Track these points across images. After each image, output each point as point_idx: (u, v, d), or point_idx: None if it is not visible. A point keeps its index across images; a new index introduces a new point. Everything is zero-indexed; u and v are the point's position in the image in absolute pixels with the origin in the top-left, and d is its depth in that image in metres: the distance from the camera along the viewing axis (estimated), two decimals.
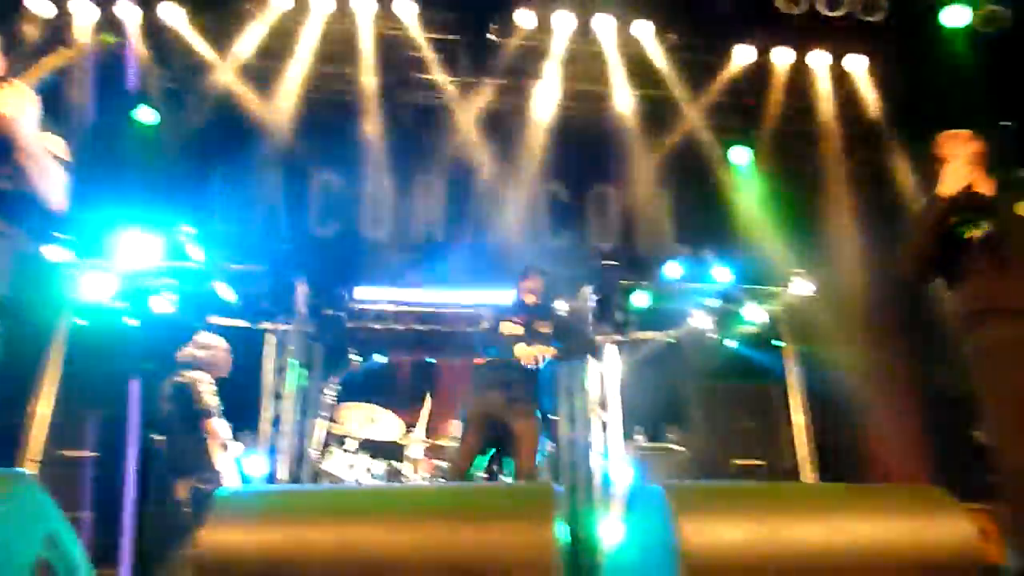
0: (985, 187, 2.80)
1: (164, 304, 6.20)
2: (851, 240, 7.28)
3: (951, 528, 1.70)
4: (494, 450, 4.64)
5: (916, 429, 7.20)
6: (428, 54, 7.23)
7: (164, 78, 7.08)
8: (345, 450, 5.80)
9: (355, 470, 5.69)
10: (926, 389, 7.18)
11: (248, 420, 6.00)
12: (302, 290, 6.58)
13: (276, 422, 6.30)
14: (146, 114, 6.96)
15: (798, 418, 6.70)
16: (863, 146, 7.75)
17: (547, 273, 4.80)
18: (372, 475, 5.70)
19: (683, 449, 6.54)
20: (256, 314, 6.58)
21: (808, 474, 6.49)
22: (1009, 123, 2.87)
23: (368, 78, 7.14)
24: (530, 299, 4.66)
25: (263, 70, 7.11)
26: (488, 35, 7.04)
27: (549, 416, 4.51)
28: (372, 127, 7.31)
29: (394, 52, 7.22)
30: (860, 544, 1.65)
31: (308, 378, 6.96)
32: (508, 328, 4.46)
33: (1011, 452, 2.51)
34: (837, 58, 7.21)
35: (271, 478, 6.03)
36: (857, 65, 7.25)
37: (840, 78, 7.40)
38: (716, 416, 6.60)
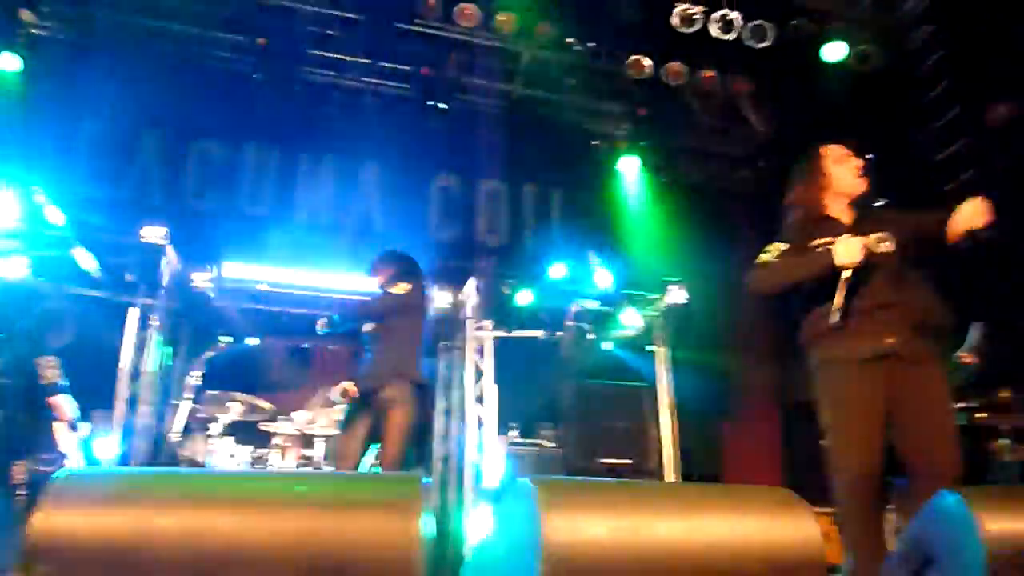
0: (845, 215, 3.01)
1: (14, 269, 5.70)
2: (728, 253, 7.62)
3: (798, 528, 1.80)
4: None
5: (773, 434, 7.65)
6: (328, 31, 7.03)
7: (32, 23, 6.52)
8: (208, 435, 5.55)
9: (217, 456, 5.45)
10: (783, 397, 7.65)
11: (103, 400, 5.61)
12: (170, 263, 6.22)
13: (133, 402, 5.92)
14: (8, 61, 6.39)
15: (665, 420, 6.95)
16: (745, 165, 8.15)
17: (402, 261, 4.48)
18: (236, 462, 5.48)
19: (554, 446, 6.65)
20: (118, 286, 6.16)
21: (671, 474, 6.75)
22: (872, 156, 3.07)
23: (263, 48, 6.83)
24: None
25: (144, 26, 6.68)
26: (393, 20, 6.91)
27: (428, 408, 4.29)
28: (262, 99, 7.00)
29: (292, 25, 6.96)
30: (715, 541, 1.72)
31: (171, 357, 6.60)
32: (367, 327, 4.27)
33: (841, 460, 2.73)
34: (725, 79, 7.53)
35: (124, 461, 5.67)
36: (743, 88, 7.59)
37: (728, 98, 7.75)
38: (588, 416, 6.74)
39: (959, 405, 5.18)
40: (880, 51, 6.91)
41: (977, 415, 5.17)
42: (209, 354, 5.85)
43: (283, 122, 7.08)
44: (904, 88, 7.10)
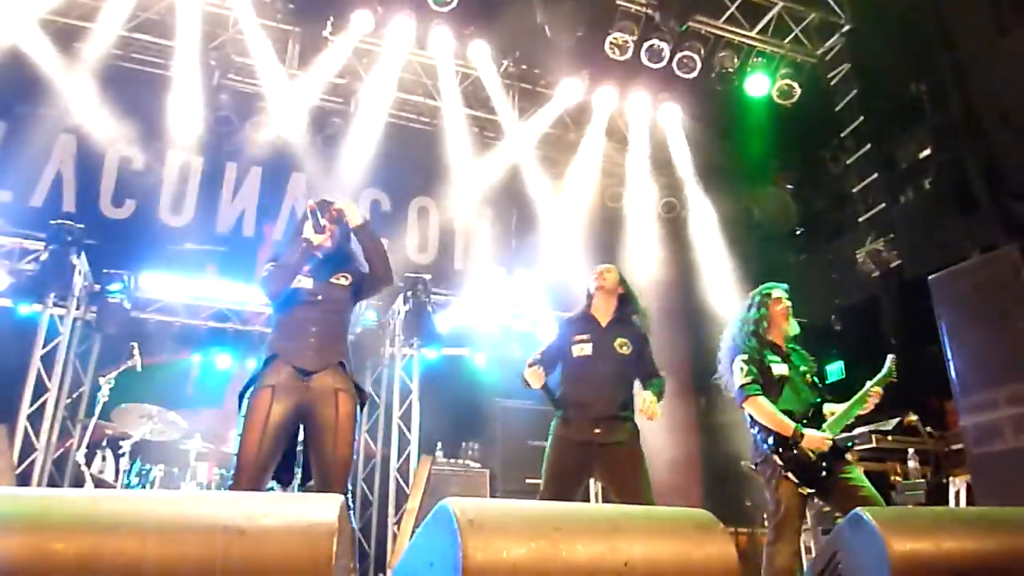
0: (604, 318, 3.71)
1: None
2: (648, 276, 7.72)
3: (714, 549, 1.83)
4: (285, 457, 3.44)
5: (692, 453, 7.79)
6: (256, 40, 6.89)
7: None
8: (119, 453, 5.29)
9: (127, 475, 5.21)
10: (702, 419, 7.81)
11: (4, 414, 5.29)
12: (82, 272, 5.94)
13: (36, 417, 5.60)
14: None
15: None
16: (669, 188, 8.34)
17: None
18: (145, 481, 5.24)
19: (479, 466, 6.60)
20: (25, 294, 5.84)
21: (595, 494, 6.77)
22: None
23: (186, 53, 6.63)
24: None
25: (65, 27, 6.43)
26: (323, 30, 6.83)
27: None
28: (184, 106, 6.78)
29: (218, 31, 6.82)
30: (633, 563, 1.72)
31: (81, 370, 6.29)
32: None
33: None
34: (654, 106, 7.71)
35: (23, 480, 5.35)
36: (670, 115, 7.79)
37: (655, 125, 7.93)
38: (514, 434, 6.72)
39: (867, 428, 5.42)
40: (800, 86, 7.19)
41: (888, 437, 5.41)
42: (122, 368, 5.58)
43: (208, 130, 6.86)
44: (822, 123, 7.42)
